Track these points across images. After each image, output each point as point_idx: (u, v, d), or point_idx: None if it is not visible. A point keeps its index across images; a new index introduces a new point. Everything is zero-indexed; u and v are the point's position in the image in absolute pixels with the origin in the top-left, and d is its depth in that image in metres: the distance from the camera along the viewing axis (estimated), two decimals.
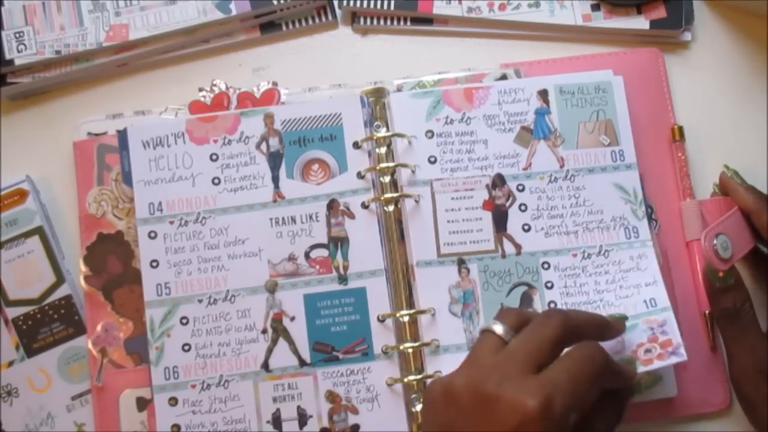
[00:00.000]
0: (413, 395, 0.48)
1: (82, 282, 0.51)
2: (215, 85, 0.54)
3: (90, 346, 0.50)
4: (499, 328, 0.40)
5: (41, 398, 0.50)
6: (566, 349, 0.39)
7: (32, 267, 0.51)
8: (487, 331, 0.40)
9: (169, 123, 0.52)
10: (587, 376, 0.38)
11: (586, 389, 0.38)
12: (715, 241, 0.47)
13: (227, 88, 0.54)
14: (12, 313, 0.51)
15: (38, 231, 0.52)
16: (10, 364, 0.50)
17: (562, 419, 0.36)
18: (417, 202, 0.51)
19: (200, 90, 0.54)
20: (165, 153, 0.51)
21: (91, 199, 0.52)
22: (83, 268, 0.51)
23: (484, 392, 0.37)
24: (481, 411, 0.37)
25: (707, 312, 0.51)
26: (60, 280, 0.51)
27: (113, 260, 0.51)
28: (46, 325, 0.51)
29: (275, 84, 0.54)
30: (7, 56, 0.54)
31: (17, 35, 0.54)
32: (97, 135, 0.53)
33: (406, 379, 0.48)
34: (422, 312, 0.49)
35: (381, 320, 0.49)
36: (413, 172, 0.51)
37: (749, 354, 0.47)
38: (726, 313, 0.47)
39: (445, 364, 0.48)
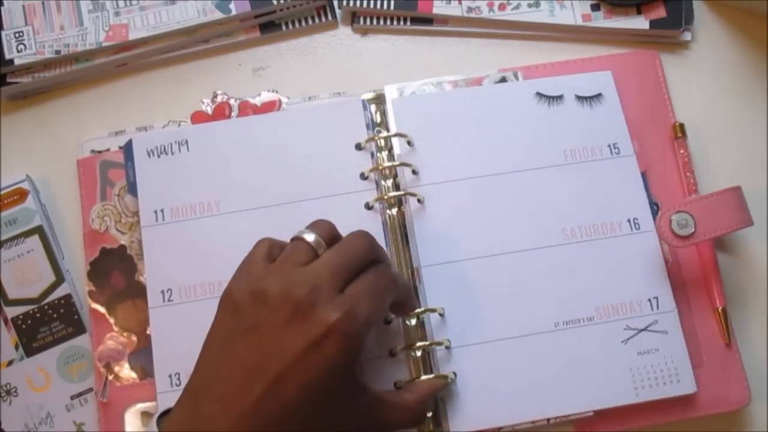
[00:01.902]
0: None
1: (87, 298, 0.51)
2: (216, 96, 0.54)
3: (96, 362, 0.50)
4: (311, 238, 0.41)
5: (40, 398, 0.50)
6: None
7: (32, 266, 0.51)
8: (299, 239, 0.41)
9: (173, 132, 0.52)
10: (384, 293, 0.41)
11: (382, 305, 0.42)
12: (672, 218, 0.48)
13: (228, 98, 0.54)
14: (11, 312, 0.51)
15: (38, 230, 0.52)
16: (10, 363, 0.50)
17: (361, 331, 0.39)
18: (421, 202, 0.51)
19: (202, 101, 0.54)
20: (169, 161, 0.51)
21: (95, 214, 0.52)
22: (88, 284, 0.51)
23: (294, 299, 0.38)
24: (288, 316, 0.38)
25: (720, 308, 0.50)
26: (59, 279, 0.51)
27: (117, 275, 0.51)
28: (45, 324, 0.51)
29: (276, 91, 0.54)
30: (7, 56, 0.54)
31: (17, 35, 0.54)
32: (100, 152, 0.54)
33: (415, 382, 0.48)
34: (432, 311, 0.49)
35: (387, 322, 0.49)
36: (415, 173, 0.51)
37: None
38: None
39: (459, 364, 0.48)
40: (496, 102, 0.53)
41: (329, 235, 0.42)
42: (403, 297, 0.45)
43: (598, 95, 0.53)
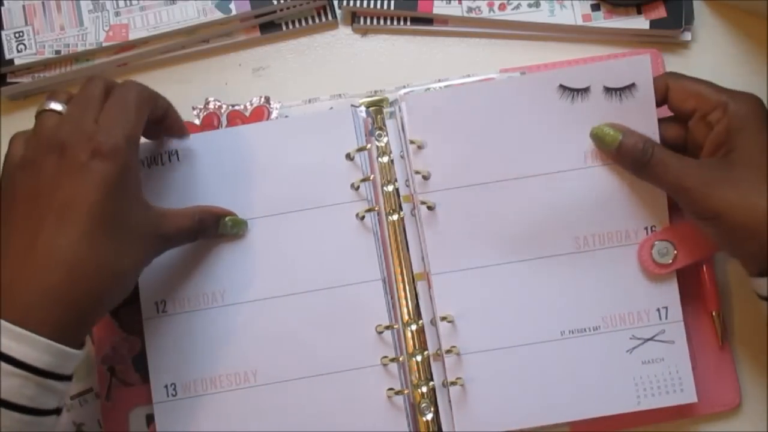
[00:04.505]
0: (423, 404, 0.49)
1: None
2: (209, 103, 0.54)
3: (99, 365, 0.50)
4: (54, 105, 0.43)
5: None
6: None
7: None
8: (42, 112, 0.43)
9: (162, 142, 0.51)
10: (136, 105, 0.43)
11: (138, 116, 0.44)
12: (653, 246, 0.48)
13: (220, 105, 0.54)
14: None
15: None
16: None
17: (123, 145, 0.41)
18: (431, 209, 0.50)
19: (194, 108, 0.54)
20: (160, 171, 0.51)
21: None
22: None
23: (55, 142, 0.41)
24: (54, 159, 0.40)
25: (715, 311, 0.51)
26: None
27: None
28: None
29: (267, 98, 0.54)
30: (7, 56, 0.54)
31: (17, 35, 0.54)
32: None
33: (405, 391, 0.48)
34: (443, 319, 0.49)
35: (379, 332, 0.49)
36: (425, 178, 0.50)
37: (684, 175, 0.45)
38: (637, 160, 0.47)
39: (469, 370, 0.48)
40: (515, 97, 0.50)
41: (67, 95, 0.44)
42: (162, 108, 0.47)
43: (631, 86, 0.49)
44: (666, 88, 0.49)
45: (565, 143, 0.49)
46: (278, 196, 0.51)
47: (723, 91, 0.47)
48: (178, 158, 0.51)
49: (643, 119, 0.49)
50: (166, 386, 0.49)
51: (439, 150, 0.50)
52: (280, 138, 0.51)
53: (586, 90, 0.49)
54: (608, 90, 0.49)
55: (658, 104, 0.49)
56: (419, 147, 0.50)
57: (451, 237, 0.50)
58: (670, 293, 0.49)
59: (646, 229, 0.49)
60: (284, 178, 0.51)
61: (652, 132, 0.49)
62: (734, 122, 0.45)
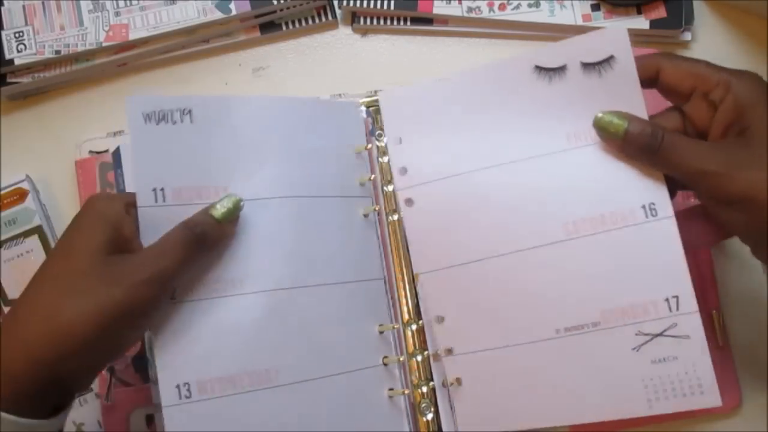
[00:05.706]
0: (423, 404, 0.48)
1: None
2: None
3: None
4: None
5: None
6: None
7: (31, 266, 0.51)
8: None
9: (176, 98, 0.45)
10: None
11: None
12: None
13: None
14: None
15: (37, 230, 0.52)
16: None
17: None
18: (409, 204, 0.49)
19: None
20: (169, 130, 0.45)
21: None
22: None
23: None
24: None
25: (714, 310, 0.51)
26: None
27: None
28: None
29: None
30: (7, 56, 0.54)
31: (17, 35, 0.54)
32: (98, 153, 0.54)
33: (405, 391, 0.48)
34: (438, 319, 0.48)
35: (381, 332, 0.49)
36: (404, 172, 0.49)
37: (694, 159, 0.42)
38: (646, 146, 0.43)
39: (464, 370, 0.48)
40: (491, 85, 0.47)
41: None
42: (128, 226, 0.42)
43: (610, 58, 0.45)
44: (657, 70, 0.45)
45: (546, 125, 0.46)
46: (291, 177, 0.47)
47: (722, 69, 0.44)
48: (191, 119, 0.45)
49: (627, 92, 0.45)
50: (177, 386, 0.42)
51: (418, 144, 0.49)
52: (298, 116, 0.48)
53: (562, 68, 0.46)
54: (586, 65, 0.46)
55: (646, 86, 0.46)
56: (398, 142, 0.50)
57: (435, 233, 0.48)
58: (680, 279, 0.43)
59: (644, 207, 0.45)
60: (298, 160, 0.48)
61: (638, 104, 0.45)
62: (741, 99, 0.42)
